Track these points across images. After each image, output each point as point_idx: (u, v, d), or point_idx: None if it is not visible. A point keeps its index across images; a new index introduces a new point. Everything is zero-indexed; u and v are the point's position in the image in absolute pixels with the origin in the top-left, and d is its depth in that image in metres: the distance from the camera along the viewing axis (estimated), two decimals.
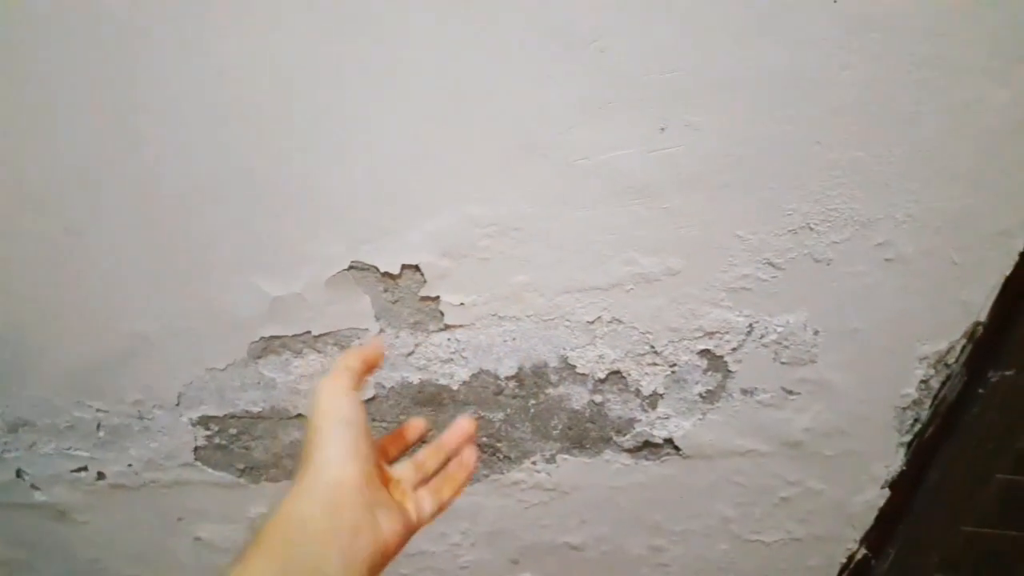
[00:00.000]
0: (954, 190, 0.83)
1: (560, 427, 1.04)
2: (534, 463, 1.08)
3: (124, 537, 1.14)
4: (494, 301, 0.92)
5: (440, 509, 0.58)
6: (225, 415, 1.01)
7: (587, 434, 1.05)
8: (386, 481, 0.55)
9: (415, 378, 0.98)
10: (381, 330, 0.93)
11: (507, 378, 0.99)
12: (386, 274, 0.88)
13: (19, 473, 1.05)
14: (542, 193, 0.83)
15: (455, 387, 0.99)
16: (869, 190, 0.82)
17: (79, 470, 1.05)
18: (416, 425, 0.66)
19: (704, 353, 0.97)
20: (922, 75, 0.75)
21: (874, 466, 1.09)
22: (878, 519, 1.16)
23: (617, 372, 0.98)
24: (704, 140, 0.79)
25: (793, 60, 0.74)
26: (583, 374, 0.98)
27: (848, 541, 1.21)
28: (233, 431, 1.02)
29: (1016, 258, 0.88)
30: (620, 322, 0.94)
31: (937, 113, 0.77)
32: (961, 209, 0.84)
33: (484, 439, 1.05)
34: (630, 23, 0.71)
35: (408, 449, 0.65)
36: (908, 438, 1.06)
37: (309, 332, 0.93)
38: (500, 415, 1.03)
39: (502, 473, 1.09)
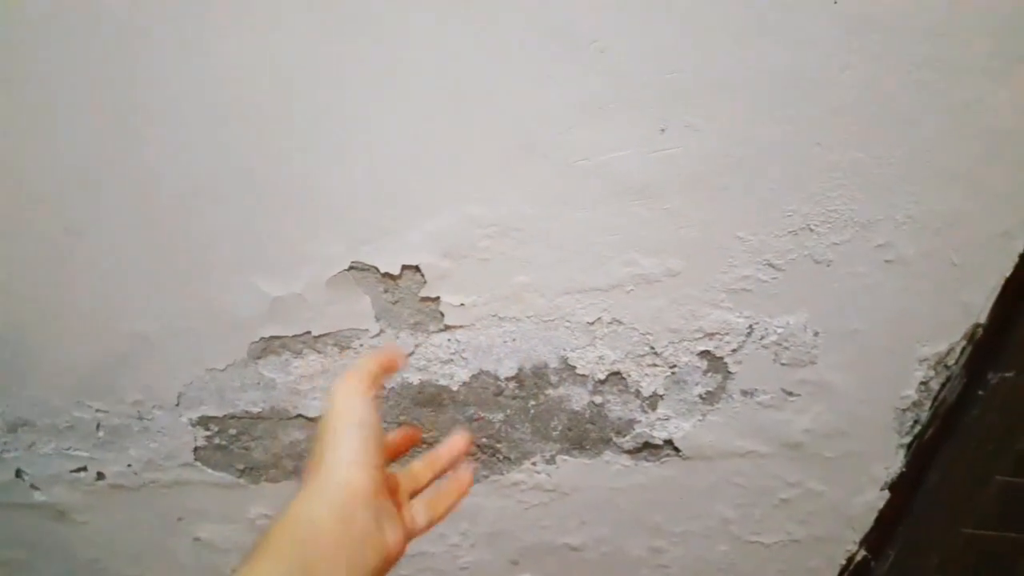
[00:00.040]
0: (954, 191, 0.83)
1: (560, 428, 1.04)
2: (534, 464, 1.08)
3: (124, 537, 1.13)
4: (494, 302, 0.92)
5: (432, 523, 0.58)
6: (225, 415, 1.00)
7: (587, 435, 1.05)
8: (390, 489, 0.55)
9: (415, 379, 0.98)
10: (381, 331, 0.93)
11: (507, 379, 0.99)
12: (386, 274, 0.88)
13: (19, 473, 1.05)
14: (542, 194, 0.83)
15: (455, 388, 0.99)
16: (869, 191, 0.82)
17: (79, 470, 1.05)
18: (412, 435, 0.66)
19: (704, 354, 0.97)
20: (922, 76, 0.75)
21: (874, 467, 1.09)
22: (878, 520, 1.16)
23: (617, 373, 0.98)
24: (704, 141, 0.79)
25: (793, 61, 0.74)
26: (583, 375, 0.98)
27: (848, 542, 1.21)
28: (233, 431, 1.02)
29: (1016, 259, 0.88)
30: (620, 323, 0.93)
31: (937, 114, 0.77)
32: (961, 210, 0.84)
33: (484, 440, 1.05)
34: (630, 23, 0.71)
35: (399, 457, 0.65)
36: (908, 439, 1.06)
37: (309, 332, 0.93)
38: (500, 416, 1.03)
39: (502, 474, 1.09)
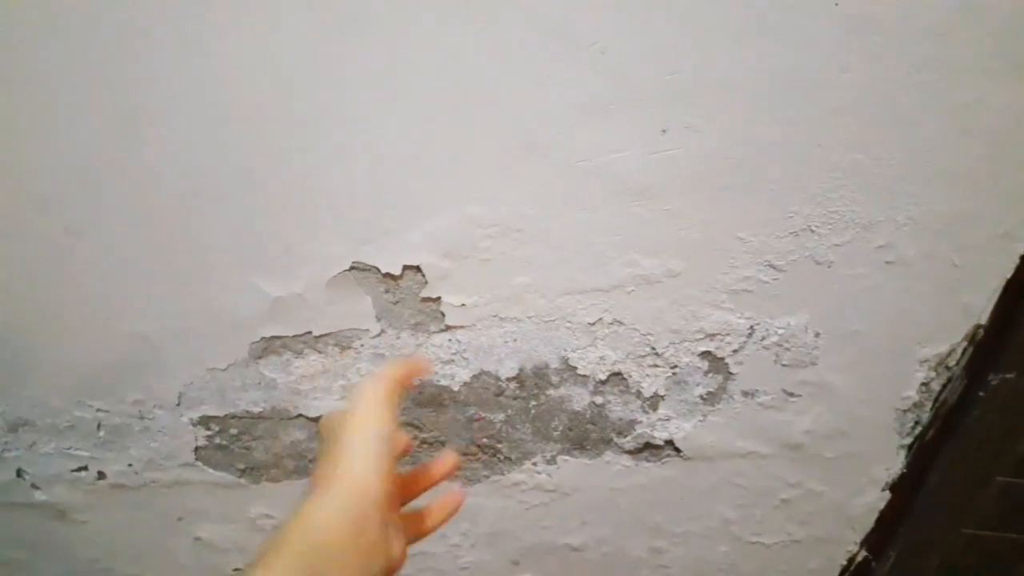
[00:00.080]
0: (955, 192, 0.82)
1: (561, 428, 1.04)
2: (535, 464, 1.08)
3: (124, 537, 1.13)
4: (495, 302, 0.92)
5: (419, 537, 0.58)
6: (226, 415, 1.00)
7: (588, 435, 1.05)
8: (396, 500, 0.55)
9: (416, 379, 0.98)
10: (382, 331, 0.93)
11: (508, 379, 0.99)
12: (387, 275, 0.88)
13: (19, 472, 1.05)
14: (543, 194, 0.83)
15: (456, 388, 0.99)
16: (870, 192, 0.82)
17: (79, 470, 1.05)
18: (408, 445, 0.66)
19: (705, 355, 0.97)
20: (922, 77, 0.75)
21: (875, 468, 1.09)
22: (878, 521, 1.16)
23: (618, 373, 0.98)
24: (705, 142, 0.79)
25: (793, 61, 0.74)
26: (584, 375, 0.98)
27: (848, 543, 1.20)
28: (234, 431, 1.02)
29: (1017, 261, 0.88)
30: (621, 324, 0.93)
31: (937, 114, 0.77)
32: (962, 211, 0.84)
33: (485, 440, 1.05)
34: (630, 24, 0.71)
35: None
36: (909, 440, 1.06)
37: (310, 332, 0.93)
38: (501, 416, 1.03)
39: (503, 474, 1.09)
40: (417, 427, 1.02)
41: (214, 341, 0.93)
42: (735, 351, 0.96)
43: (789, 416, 1.02)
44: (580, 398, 1.01)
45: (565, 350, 0.96)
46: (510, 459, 1.07)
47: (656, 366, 0.97)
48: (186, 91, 0.74)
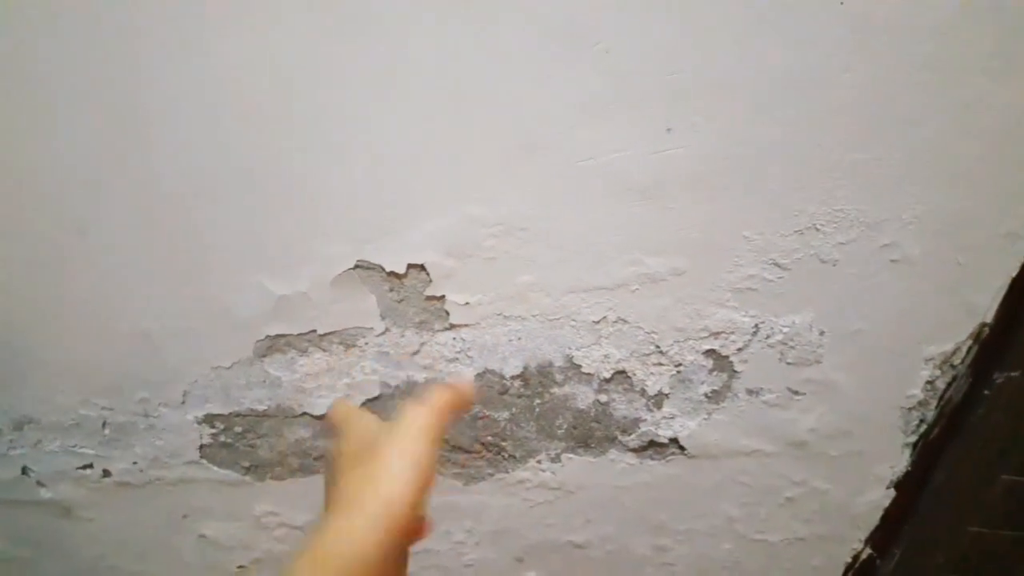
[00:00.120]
0: (959, 191, 0.82)
1: (565, 426, 1.04)
2: (539, 462, 1.08)
3: (129, 534, 1.14)
4: (499, 301, 0.91)
5: None
6: (230, 413, 1.01)
7: (592, 433, 1.04)
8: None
9: (420, 377, 0.98)
10: (387, 329, 0.93)
11: (512, 377, 0.99)
12: (392, 273, 0.88)
13: (25, 470, 1.05)
14: (546, 193, 0.83)
15: None
16: (875, 191, 0.82)
17: (84, 467, 1.05)
18: None
19: (710, 353, 0.96)
20: (924, 76, 0.74)
21: (879, 467, 1.09)
22: (883, 519, 1.16)
23: (622, 372, 0.98)
24: (707, 141, 0.78)
25: (795, 61, 0.73)
26: (588, 374, 0.98)
27: (853, 541, 1.20)
28: (238, 429, 1.02)
29: (1022, 260, 0.88)
30: (625, 322, 0.93)
31: (940, 113, 0.77)
32: (967, 210, 0.83)
33: (489, 438, 1.05)
34: (631, 23, 0.71)
35: None
36: (913, 439, 1.05)
37: (315, 331, 0.93)
38: (505, 414, 1.03)
39: (507, 472, 1.09)
40: None
41: (218, 340, 0.93)
42: (739, 349, 0.96)
43: (794, 414, 1.02)
44: (584, 396, 1.00)
45: (569, 348, 0.96)
46: (514, 457, 1.07)
47: (660, 364, 0.97)
48: (186, 91, 0.74)
